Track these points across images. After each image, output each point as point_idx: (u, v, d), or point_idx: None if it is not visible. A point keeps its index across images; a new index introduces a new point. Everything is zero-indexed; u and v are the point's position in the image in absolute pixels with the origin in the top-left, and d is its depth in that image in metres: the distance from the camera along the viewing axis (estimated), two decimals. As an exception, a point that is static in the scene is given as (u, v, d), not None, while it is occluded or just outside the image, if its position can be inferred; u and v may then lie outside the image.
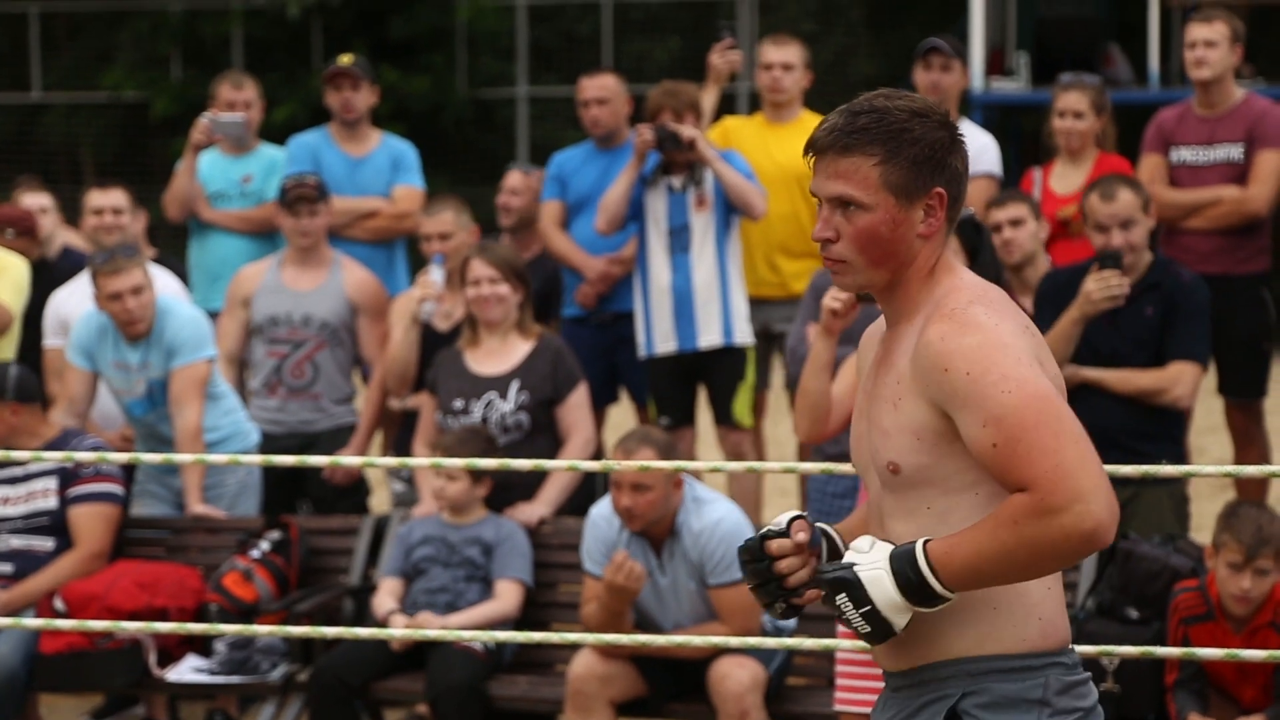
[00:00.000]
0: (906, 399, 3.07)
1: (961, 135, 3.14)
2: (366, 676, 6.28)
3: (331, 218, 7.58)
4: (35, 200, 8.22)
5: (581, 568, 6.14)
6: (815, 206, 8.01)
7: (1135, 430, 6.24)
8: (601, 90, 7.91)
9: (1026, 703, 3.02)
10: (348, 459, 5.09)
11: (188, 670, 6.46)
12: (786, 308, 7.81)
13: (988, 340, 3.00)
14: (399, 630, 5.69)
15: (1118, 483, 3.42)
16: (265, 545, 6.64)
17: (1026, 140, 14.20)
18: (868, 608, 3.00)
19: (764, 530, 3.16)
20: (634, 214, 7.49)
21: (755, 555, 3.14)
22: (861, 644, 4.14)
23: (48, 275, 7.80)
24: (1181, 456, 6.38)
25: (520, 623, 6.38)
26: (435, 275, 7.19)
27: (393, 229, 8.22)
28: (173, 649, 6.52)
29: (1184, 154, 7.52)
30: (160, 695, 6.89)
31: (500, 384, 6.75)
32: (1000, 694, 3.03)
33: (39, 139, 21.21)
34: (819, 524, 3.22)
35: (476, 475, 6.40)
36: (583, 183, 7.89)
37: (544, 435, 6.75)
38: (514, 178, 8.23)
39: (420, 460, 5.47)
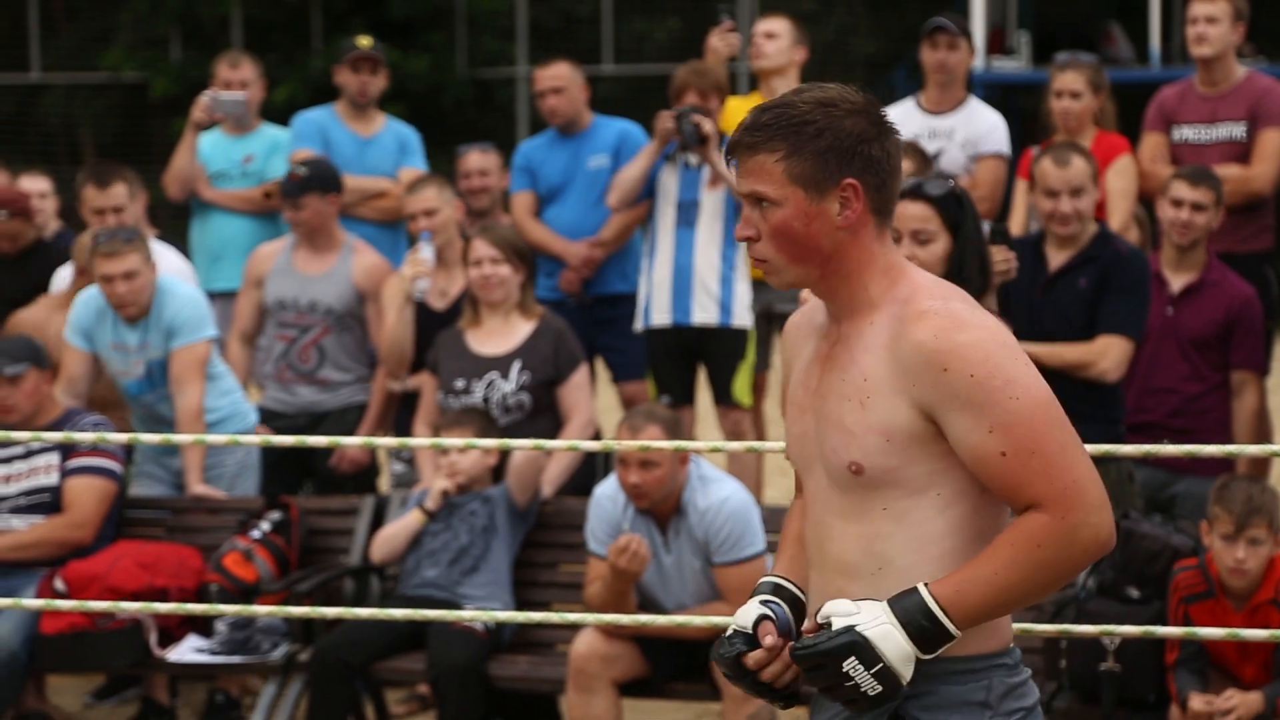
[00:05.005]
0: (879, 398, 2.98)
1: (887, 122, 3.03)
2: (368, 656, 6.28)
3: (333, 206, 7.46)
4: (35, 184, 8.20)
5: (585, 548, 6.13)
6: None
7: (1066, 409, 6.03)
8: (556, 80, 7.96)
9: (970, 705, 3.00)
10: (347, 440, 5.07)
11: (189, 650, 6.46)
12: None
13: (984, 338, 2.94)
14: (400, 611, 5.67)
15: None
16: (266, 526, 6.63)
17: (1026, 119, 14.16)
18: (879, 666, 2.91)
19: (729, 637, 3.11)
20: (647, 189, 7.51)
21: (738, 672, 3.10)
22: None
23: (44, 256, 7.79)
24: (1117, 437, 6.15)
25: (520, 603, 6.38)
26: (425, 253, 7.17)
27: (400, 210, 8.22)
28: (174, 629, 6.51)
29: (1186, 132, 7.51)
30: (161, 675, 6.89)
31: (502, 364, 6.74)
32: (945, 696, 3.00)
33: (38, 120, 21.20)
34: (771, 601, 3.15)
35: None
36: (553, 171, 7.97)
37: (545, 416, 6.74)
38: (475, 158, 8.21)
39: (420, 440, 5.46)
